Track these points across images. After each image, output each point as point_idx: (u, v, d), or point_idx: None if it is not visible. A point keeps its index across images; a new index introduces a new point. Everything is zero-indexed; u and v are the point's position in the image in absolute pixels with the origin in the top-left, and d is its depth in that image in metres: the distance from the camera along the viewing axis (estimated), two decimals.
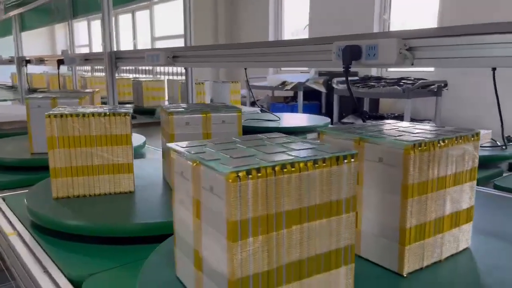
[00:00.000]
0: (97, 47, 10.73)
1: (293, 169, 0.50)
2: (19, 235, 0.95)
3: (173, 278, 0.64)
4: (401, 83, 4.04)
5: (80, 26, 10.62)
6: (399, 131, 0.70)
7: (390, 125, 0.77)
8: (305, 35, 5.95)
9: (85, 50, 10.79)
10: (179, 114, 1.05)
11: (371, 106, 4.85)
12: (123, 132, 1.03)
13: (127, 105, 1.13)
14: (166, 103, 3.38)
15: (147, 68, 8.54)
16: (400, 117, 4.22)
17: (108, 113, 1.01)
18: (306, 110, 5.06)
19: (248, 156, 0.53)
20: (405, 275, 0.64)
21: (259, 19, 6.57)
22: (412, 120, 4.01)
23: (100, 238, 0.87)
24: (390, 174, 0.63)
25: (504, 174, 1.47)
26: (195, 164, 0.54)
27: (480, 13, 3.85)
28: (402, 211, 0.62)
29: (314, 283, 0.54)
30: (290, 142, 0.61)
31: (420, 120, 4.20)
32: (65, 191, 1.01)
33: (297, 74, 5.44)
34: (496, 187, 1.25)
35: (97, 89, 1.94)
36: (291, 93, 5.74)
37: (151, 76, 7.93)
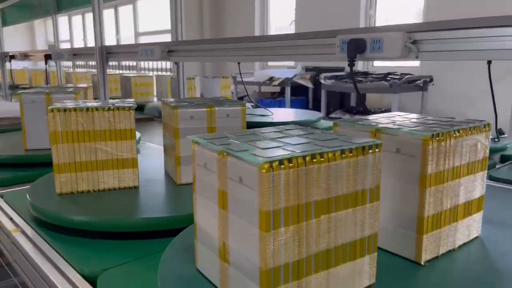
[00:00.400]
0: (79, 43, 10.57)
1: (322, 159, 0.50)
2: (23, 232, 0.94)
3: (193, 271, 0.64)
4: (388, 78, 4.09)
5: (61, 21, 10.44)
6: (413, 122, 0.71)
7: (401, 117, 0.78)
8: (291, 31, 5.95)
9: (66, 46, 10.61)
10: (184, 108, 1.04)
11: (358, 101, 4.89)
12: (127, 127, 1.01)
13: (129, 100, 1.12)
14: (155, 99, 3.36)
15: (130, 64, 8.45)
16: (387, 112, 4.27)
17: (112, 107, 1.00)
18: (293, 105, 5.08)
19: (275, 147, 0.53)
20: (423, 264, 0.65)
21: (245, 15, 6.55)
22: None
23: (106, 233, 0.87)
24: (407, 164, 0.64)
25: (497, 166, 1.50)
26: (221, 155, 0.53)
27: (465, 10, 3.91)
28: (420, 201, 0.63)
29: (340, 272, 0.54)
30: (310, 133, 0.61)
31: None
32: (69, 187, 1.00)
33: (284, 70, 5.45)
34: (491, 178, 1.28)
35: (89, 84, 1.91)
36: (277, 89, 5.75)
37: (134, 71, 7.86)
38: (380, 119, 0.76)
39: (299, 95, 5.44)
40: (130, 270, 0.74)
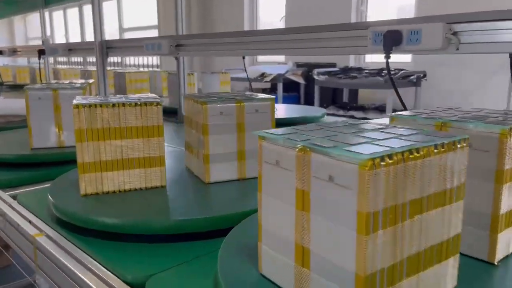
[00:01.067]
0: (60, 39, 10.34)
1: (418, 155, 0.46)
2: (48, 236, 0.88)
3: (257, 276, 0.59)
4: (383, 74, 4.08)
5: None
6: (477, 115, 0.68)
7: (454, 110, 0.75)
8: (281, 26, 5.91)
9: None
10: (213, 103, 0.99)
11: (350, 97, 4.88)
12: (154, 123, 0.96)
13: (152, 95, 1.07)
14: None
15: (115, 60, 8.31)
16: (381, 108, 4.26)
17: (139, 103, 0.94)
18: (285, 101, 5.04)
19: (364, 142, 0.49)
20: (496, 264, 0.62)
21: (234, 10, 6.48)
22: (394, 110, 4.06)
23: (138, 236, 0.82)
24: (480, 159, 0.61)
25: None
26: (303, 152, 0.49)
27: (457, 6, 3.92)
28: (495, 198, 0.60)
29: (429, 276, 0.51)
30: (385, 127, 0.57)
31: (401, 110, 4.26)
32: (94, 188, 0.94)
33: (275, 66, 5.41)
34: None
35: (91, 81, 1.84)
36: (268, 85, 5.70)
37: (120, 68, 7.72)
38: (437, 112, 0.73)
39: (291, 91, 5.41)
40: (178, 275, 0.69)
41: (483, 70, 4.06)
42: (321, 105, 4.63)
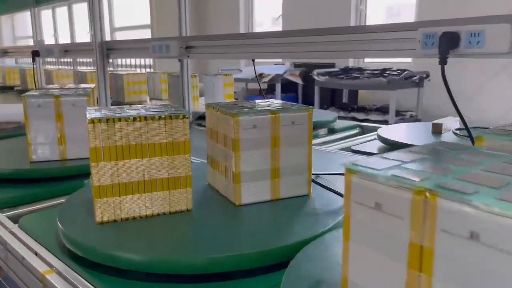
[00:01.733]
0: (49, 38, 10.12)
1: None
2: (59, 273, 0.75)
3: None
4: (385, 74, 3.99)
5: (28, 16, 9.96)
6: None
7: None
8: (278, 26, 5.80)
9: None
10: (245, 115, 0.87)
11: (350, 98, 4.79)
12: (181, 139, 0.84)
13: (174, 105, 0.94)
14: (148, 98, 3.15)
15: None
16: (382, 109, 4.17)
17: (163, 116, 0.81)
18: None
19: (510, 183, 0.37)
20: None
21: (229, 10, 6.35)
22: (396, 111, 3.97)
23: (169, 276, 0.69)
24: None
25: None
26: (423, 196, 0.37)
27: (458, 6, 3.85)
28: None
29: None
30: (498, 156, 0.46)
31: (403, 111, 4.17)
32: (112, 214, 0.81)
33: (273, 66, 5.29)
34: None
35: (92, 85, 1.70)
36: (265, 86, 5.58)
37: (111, 69, 7.53)
38: None
39: (289, 92, 5.30)
40: None
41: (485, 71, 3.99)
42: (321, 106, 4.53)
